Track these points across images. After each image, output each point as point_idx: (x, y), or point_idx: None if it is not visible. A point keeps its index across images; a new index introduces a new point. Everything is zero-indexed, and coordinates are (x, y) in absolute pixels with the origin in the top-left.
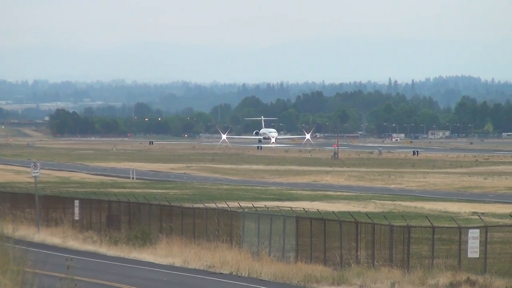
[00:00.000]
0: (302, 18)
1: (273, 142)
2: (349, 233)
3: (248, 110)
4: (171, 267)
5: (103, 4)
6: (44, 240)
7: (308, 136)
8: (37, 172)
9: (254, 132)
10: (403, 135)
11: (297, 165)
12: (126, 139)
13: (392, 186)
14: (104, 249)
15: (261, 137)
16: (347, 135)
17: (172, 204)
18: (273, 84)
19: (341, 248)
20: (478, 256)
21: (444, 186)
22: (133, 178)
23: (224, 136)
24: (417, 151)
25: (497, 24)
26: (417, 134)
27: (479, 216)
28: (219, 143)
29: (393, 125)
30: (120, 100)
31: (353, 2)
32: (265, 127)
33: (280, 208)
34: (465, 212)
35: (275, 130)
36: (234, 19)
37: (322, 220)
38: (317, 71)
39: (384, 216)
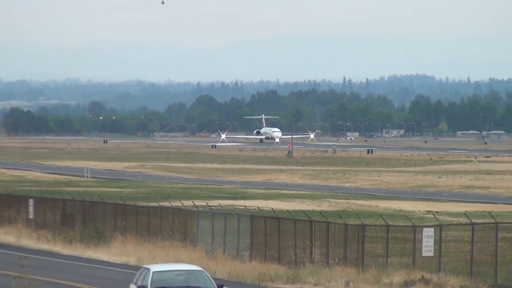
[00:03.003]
0: (256, 17)
1: (277, 142)
2: (304, 231)
3: (203, 108)
4: (125, 266)
5: (57, 2)
6: None
7: (312, 135)
8: None
9: (255, 132)
10: (357, 133)
11: (251, 164)
12: (80, 137)
13: (347, 184)
14: (58, 248)
15: (263, 137)
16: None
17: (127, 203)
18: (227, 83)
19: (296, 246)
20: (432, 255)
21: (399, 184)
22: (87, 177)
23: (223, 136)
24: (372, 150)
25: (451, 23)
26: (371, 133)
27: (433, 214)
28: (218, 143)
29: (348, 123)
30: (75, 98)
31: (307, 1)
32: (266, 126)
33: (235, 207)
34: (419, 211)
35: (278, 130)
36: (188, 17)
37: (276, 218)
38: (272, 70)
39: (338, 214)
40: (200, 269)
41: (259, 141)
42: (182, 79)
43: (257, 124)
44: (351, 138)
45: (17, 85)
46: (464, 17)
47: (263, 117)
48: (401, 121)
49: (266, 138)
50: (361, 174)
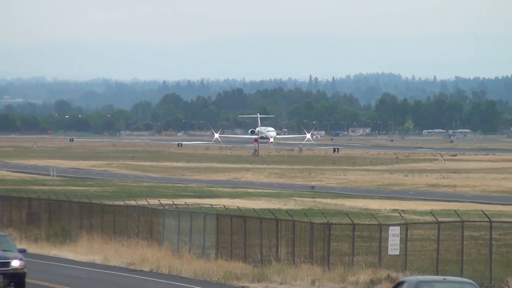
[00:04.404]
0: (222, 15)
1: (271, 142)
2: (270, 230)
3: (169, 107)
4: (92, 264)
5: (22, 1)
6: None
7: (308, 135)
8: None
9: (249, 131)
10: (323, 132)
11: (217, 163)
12: (46, 136)
13: (313, 183)
14: (24, 246)
15: (258, 137)
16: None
17: (93, 201)
18: (193, 82)
19: (262, 245)
20: (398, 253)
21: (365, 183)
22: (53, 175)
23: (216, 135)
24: (338, 148)
25: (417, 22)
26: (337, 132)
27: (399, 213)
28: (211, 142)
29: (314, 122)
30: (41, 97)
31: (273, 0)
32: (261, 125)
33: (201, 205)
34: (385, 209)
35: (273, 129)
36: (154, 16)
37: (242, 217)
38: (238, 68)
39: (304, 213)
40: None
41: (253, 140)
42: (148, 77)
43: (223, 122)
44: (317, 137)
45: None
46: (430, 16)
47: (259, 116)
48: (367, 120)
49: (261, 137)
50: (327, 172)
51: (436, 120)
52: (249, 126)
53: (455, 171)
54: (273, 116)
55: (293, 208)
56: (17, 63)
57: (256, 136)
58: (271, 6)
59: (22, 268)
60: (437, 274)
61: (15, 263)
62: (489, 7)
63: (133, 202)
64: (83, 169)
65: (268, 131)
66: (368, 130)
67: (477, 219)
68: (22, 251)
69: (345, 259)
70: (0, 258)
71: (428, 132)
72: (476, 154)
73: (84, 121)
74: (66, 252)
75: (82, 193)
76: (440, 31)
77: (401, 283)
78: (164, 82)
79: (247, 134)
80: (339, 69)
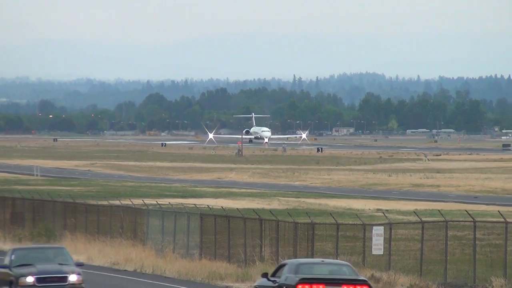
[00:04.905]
0: (205, 15)
1: (266, 143)
2: (254, 230)
3: (153, 107)
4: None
5: (5, 0)
6: None
7: (304, 135)
8: None
9: (244, 131)
10: (307, 132)
11: (201, 162)
12: (30, 136)
13: (297, 183)
14: (8, 246)
15: (252, 137)
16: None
17: (77, 201)
18: (177, 81)
19: (246, 245)
20: (382, 253)
21: (349, 183)
22: (37, 175)
23: (211, 135)
24: (321, 148)
25: (400, 21)
26: (321, 131)
27: (383, 213)
28: (205, 143)
29: (297, 122)
30: (24, 97)
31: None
32: (257, 125)
33: (184, 205)
34: (369, 209)
35: (268, 129)
36: (138, 15)
37: (226, 217)
38: (221, 68)
39: (288, 213)
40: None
41: (248, 141)
42: (132, 77)
43: (207, 122)
44: (301, 137)
45: None
46: (414, 15)
47: (253, 115)
48: (351, 120)
49: (256, 138)
50: (311, 172)
51: (420, 119)
52: (233, 126)
53: (439, 171)
54: (268, 116)
55: (277, 207)
56: (1, 63)
57: (252, 137)
58: (254, 6)
59: (80, 283)
60: (421, 275)
61: (73, 278)
62: (473, 7)
63: (117, 202)
64: (67, 168)
65: (263, 131)
66: (352, 130)
67: (461, 219)
68: (80, 264)
69: (329, 259)
70: (57, 272)
71: (412, 132)
72: (460, 154)
73: (68, 121)
74: None
75: (66, 192)
76: (424, 30)
77: (283, 265)
78: (148, 82)
79: (241, 134)
80: (323, 69)
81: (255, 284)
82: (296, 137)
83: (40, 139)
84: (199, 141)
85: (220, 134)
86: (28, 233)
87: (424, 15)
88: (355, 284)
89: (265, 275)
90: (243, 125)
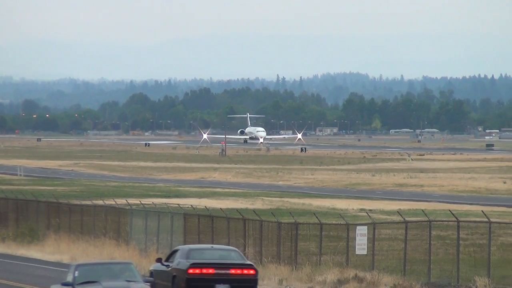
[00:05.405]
0: (189, 15)
1: (261, 143)
2: (237, 230)
3: (136, 107)
4: (59, 264)
5: None
6: None
7: (299, 135)
8: None
9: (239, 131)
10: (291, 132)
11: (185, 162)
12: (14, 136)
13: (280, 183)
14: None
15: (247, 137)
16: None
17: (60, 201)
18: (161, 81)
19: (229, 244)
20: (366, 253)
21: (332, 182)
22: (20, 175)
23: (205, 135)
24: (305, 148)
25: (384, 21)
26: (305, 131)
27: (367, 213)
28: (199, 144)
29: (281, 122)
30: (8, 97)
31: None
32: (252, 125)
33: (168, 205)
34: (353, 209)
35: (263, 129)
36: (121, 15)
37: (210, 217)
38: (205, 68)
39: (272, 213)
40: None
41: (243, 141)
42: (116, 77)
43: (191, 122)
44: (285, 137)
45: None
46: (398, 15)
47: (248, 115)
48: (334, 119)
49: (251, 138)
50: (295, 172)
51: (404, 119)
52: (216, 126)
53: (422, 170)
54: (264, 116)
55: (261, 207)
56: None
57: (247, 137)
58: (238, 6)
59: None
60: (404, 275)
61: None
62: (456, 7)
63: (100, 202)
64: (50, 168)
65: (258, 131)
66: (335, 130)
67: (444, 219)
68: (149, 281)
69: (312, 258)
70: None
71: (395, 131)
72: (443, 154)
73: (52, 121)
74: (33, 252)
75: (50, 192)
76: (407, 30)
77: (175, 251)
78: (131, 81)
79: (236, 134)
80: (307, 69)
81: (150, 268)
82: (286, 137)
83: (24, 139)
84: (183, 141)
85: (212, 134)
86: (11, 233)
87: (408, 16)
88: (242, 268)
89: (159, 260)
90: (227, 125)
